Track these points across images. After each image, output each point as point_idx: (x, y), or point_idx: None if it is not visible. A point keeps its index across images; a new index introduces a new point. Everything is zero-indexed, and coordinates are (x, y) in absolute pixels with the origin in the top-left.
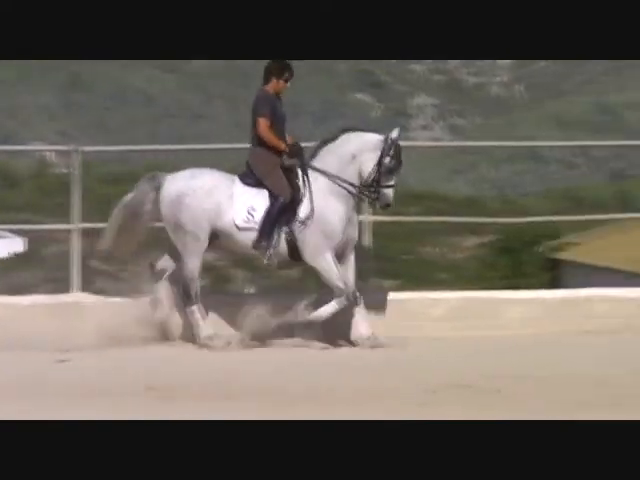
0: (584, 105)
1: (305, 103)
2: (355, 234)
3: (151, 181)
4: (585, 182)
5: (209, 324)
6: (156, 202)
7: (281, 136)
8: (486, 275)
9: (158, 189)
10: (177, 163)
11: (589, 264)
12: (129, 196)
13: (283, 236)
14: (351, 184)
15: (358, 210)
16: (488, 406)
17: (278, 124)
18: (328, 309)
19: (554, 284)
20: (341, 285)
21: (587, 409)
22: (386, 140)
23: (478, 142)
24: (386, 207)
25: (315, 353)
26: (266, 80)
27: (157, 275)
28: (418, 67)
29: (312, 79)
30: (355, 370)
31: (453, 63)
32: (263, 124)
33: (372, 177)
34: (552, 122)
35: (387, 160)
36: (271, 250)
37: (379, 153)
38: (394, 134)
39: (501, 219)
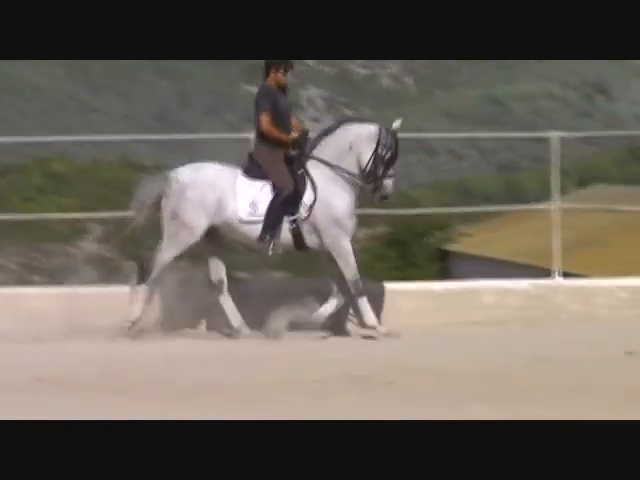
0: (473, 97)
1: (195, 95)
2: (355, 227)
3: (159, 176)
4: (474, 174)
5: (140, 309)
6: (161, 196)
7: (285, 128)
8: (376, 267)
9: (166, 182)
10: (70, 154)
11: (478, 255)
12: (137, 193)
13: (287, 227)
14: (350, 173)
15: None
16: (380, 398)
17: (282, 117)
18: (329, 307)
19: (443, 275)
20: (356, 273)
21: (476, 401)
22: (381, 131)
23: None
24: (383, 199)
25: (203, 344)
26: (266, 74)
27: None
28: (308, 60)
29: (202, 71)
30: (247, 362)
31: None
32: (264, 119)
33: (369, 168)
34: (441, 114)
35: (382, 151)
36: (273, 243)
37: (375, 144)
38: (395, 125)
39: (391, 211)
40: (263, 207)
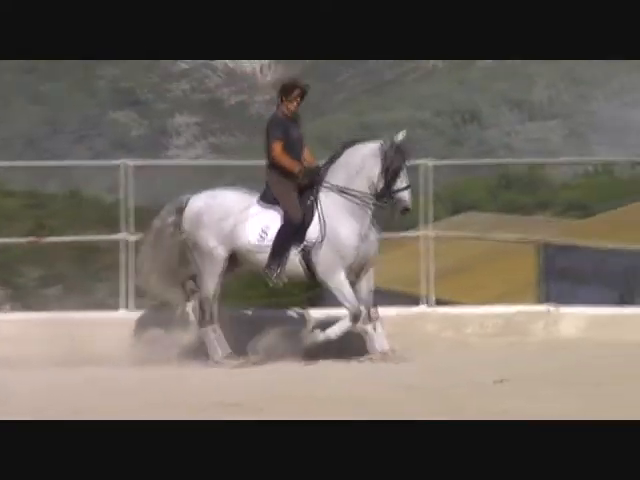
0: (345, 124)
1: (64, 121)
2: (373, 251)
3: (173, 204)
4: None
5: (224, 345)
6: (177, 224)
7: (296, 158)
8: (246, 294)
9: (181, 210)
10: None
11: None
12: (153, 223)
13: (298, 257)
14: (363, 194)
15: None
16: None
17: (293, 146)
18: (336, 330)
19: (314, 303)
20: (353, 303)
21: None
22: (384, 143)
23: (240, 161)
24: (405, 212)
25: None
26: (279, 102)
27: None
28: (178, 85)
29: (71, 96)
30: (121, 388)
31: (214, 82)
32: (277, 148)
33: (381, 183)
34: (314, 141)
35: (389, 164)
36: (278, 271)
37: (381, 159)
38: (398, 137)
39: None
40: (273, 234)
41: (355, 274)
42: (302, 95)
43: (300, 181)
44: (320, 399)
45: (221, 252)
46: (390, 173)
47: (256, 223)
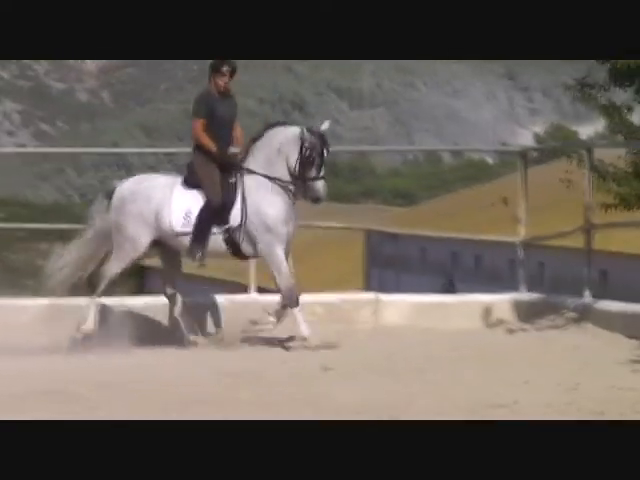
0: (170, 112)
1: None
2: (293, 232)
3: (102, 197)
4: None
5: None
6: (106, 211)
7: (223, 137)
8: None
9: (109, 197)
10: None
11: None
12: (88, 230)
13: (221, 237)
14: (280, 179)
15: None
16: (72, 412)
17: (219, 125)
18: (301, 324)
19: (140, 291)
20: (291, 282)
21: (165, 413)
22: (304, 131)
23: (63, 149)
24: (316, 201)
25: None
26: (209, 79)
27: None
28: (3, 73)
29: None
30: None
31: (40, 69)
32: (196, 126)
33: (297, 170)
34: (138, 129)
35: (307, 152)
36: (200, 253)
37: (299, 144)
38: (323, 126)
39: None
40: (194, 217)
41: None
42: (232, 72)
43: (220, 162)
44: (145, 386)
45: (144, 239)
46: (306, 161)
47: (179, 207)
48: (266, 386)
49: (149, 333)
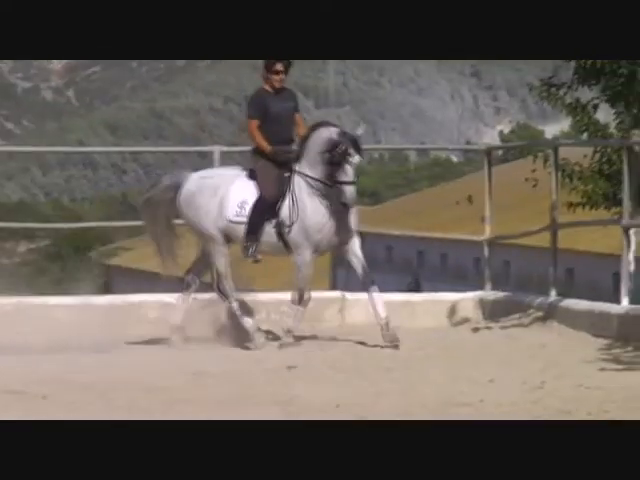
0: (135, 111)
1: None
2: (343, 234)
3: (170, 180)
4: (138, 187)
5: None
6: (173, 202)
7: (280, 133)
8: (38, 280)
9: (176, 189)
10: None
11: (139, 269)
12: (148, 195)
13: (273, 230)
14: (321, 181)
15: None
16: (35, 411)
17: (274, 122)
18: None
19: (106, 289)
20: (303, 287)
21: (139, 413)
22: (337, 134)
23: (28, 147)
24: (344, 206)
25: None
26: (263, 78)
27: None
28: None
29: None
30: None
31: (4, 67)
32: (250, 125)
33: (327, 171)
34: (104, 127)
35: (337, 156)
36: (254, 247)
37: (332, 146)
38: (359, 131)
39: (52, 225)
40: (249, 209)
41: (339, 254)
42: (286, 69)
43: (274, 160)
44: (115, 385)
45: (216, 230)
46: (337, 164)
47: (235, 198)
48: (240, 384)
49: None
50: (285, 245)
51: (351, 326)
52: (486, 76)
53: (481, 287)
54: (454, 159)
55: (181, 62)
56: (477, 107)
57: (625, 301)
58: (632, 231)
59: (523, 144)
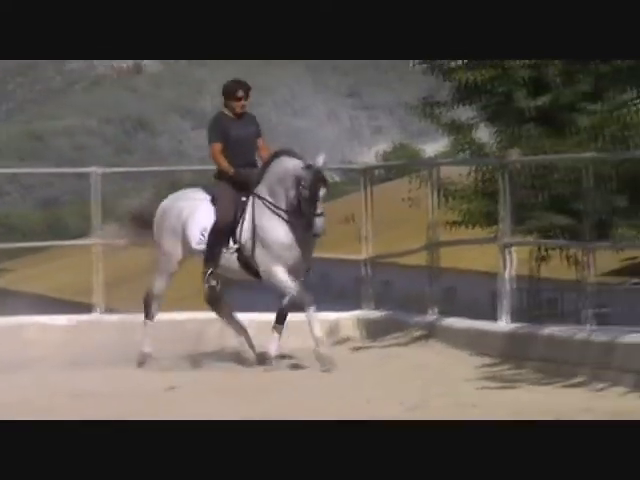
0: (12, 133)
1: None
2: (306, 259)
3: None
4: (15, 209)
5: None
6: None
7: (242, 156)
8: None
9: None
10: None
11: (20, 291)
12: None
13: (234, 256)
14: (280, 208)
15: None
16: None
17: (237, 145)
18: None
19: None
20: (297, 289)
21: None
22: (305, 165)
23: None
24: (314, 236)
25: None
26: (223, 104)
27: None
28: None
29: None
30: None
31: None
32: (212, 149)
33: (295, 204)
34: None
35: (303, 190)
36: (210, 271)
37: (297, 180)
38: (319, 160)
39: None
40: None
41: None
42: (246, 94)
43: (235, 183)
44: None
45: (176, 253)
46: (305, 197)
47: (197, 225)
48: (119, 404)
49: None
50: (247, 269)
51: (230, 347)
52: (363, 96)
53: (362, 306)
54: (335, 178)
55: (57, 83)
56: (355, 127)
57: (504, 319)
58: (512, 249)
59: (400, 163)
